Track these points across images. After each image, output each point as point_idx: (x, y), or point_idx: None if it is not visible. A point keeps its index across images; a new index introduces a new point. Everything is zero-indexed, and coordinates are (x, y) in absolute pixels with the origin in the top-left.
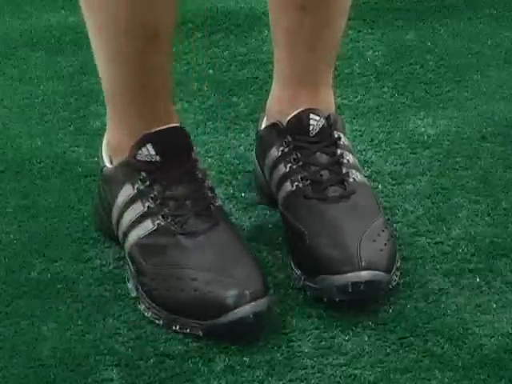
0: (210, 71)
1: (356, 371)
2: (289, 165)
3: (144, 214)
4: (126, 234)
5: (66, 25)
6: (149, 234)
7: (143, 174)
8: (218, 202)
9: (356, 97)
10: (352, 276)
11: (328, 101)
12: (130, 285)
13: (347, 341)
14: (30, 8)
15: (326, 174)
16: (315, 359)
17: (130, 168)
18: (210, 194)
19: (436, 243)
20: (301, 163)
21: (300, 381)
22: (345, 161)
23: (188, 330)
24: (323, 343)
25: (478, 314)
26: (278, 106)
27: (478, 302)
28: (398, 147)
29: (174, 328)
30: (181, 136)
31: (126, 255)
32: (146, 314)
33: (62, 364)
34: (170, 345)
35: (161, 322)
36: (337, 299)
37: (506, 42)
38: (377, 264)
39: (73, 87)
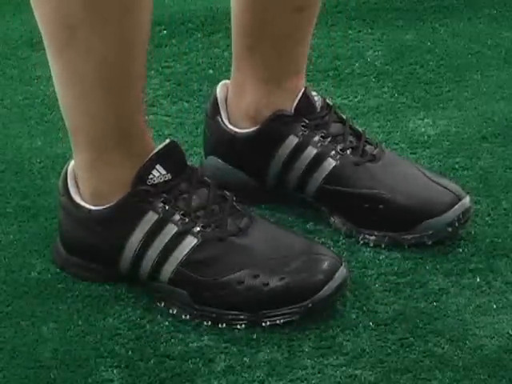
0: (210, 71)
1: (356, 371)
2: (318, 143)
3: (181, 232)
4: (160, 263)
5: None
6: (196, 248)
7: (164, 195)
8: (233, 198)
9: (356, 97)
10: (458, 207)
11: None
12: (175, 310)
13: (347, 341)
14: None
15: (352, 139)
16: (315, 359)
17: (146, 195)
18: (228, 193)
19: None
20: (329, 138)
21: (300, 381)
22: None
23: (282, 321)
24: (323, 343)
25: (479, 314)
26: (254, 106)
27: (479, 302)
28: (398, 147)
29: (264, 324)
30: (178, 148)
31: (165, 282)
32: (219, 325)
33: (63, 365)
34: (170, 345)
35: (243, 326)
36: (449, 230)
37: (506, 42)
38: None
39: None
